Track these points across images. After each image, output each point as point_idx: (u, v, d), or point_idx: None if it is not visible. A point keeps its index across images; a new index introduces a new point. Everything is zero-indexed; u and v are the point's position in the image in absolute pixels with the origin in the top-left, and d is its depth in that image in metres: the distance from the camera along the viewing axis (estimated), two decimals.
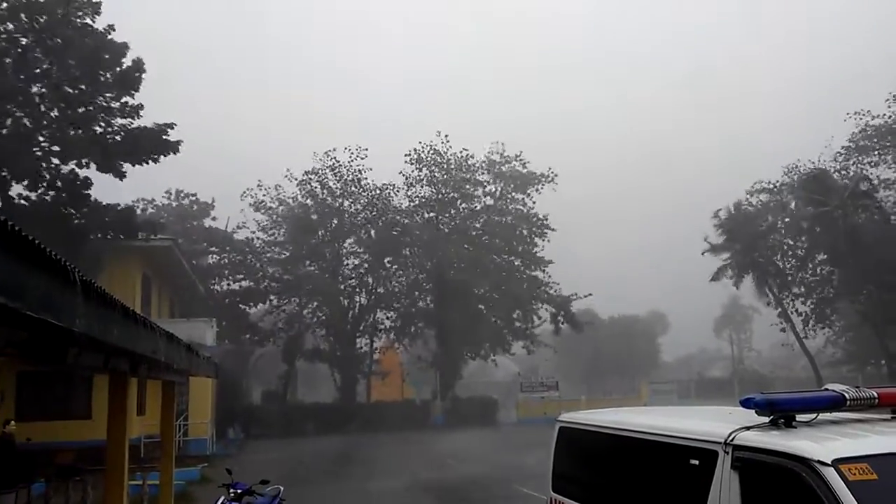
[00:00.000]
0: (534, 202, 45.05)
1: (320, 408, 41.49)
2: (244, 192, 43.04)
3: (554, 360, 60.30)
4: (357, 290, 44.91)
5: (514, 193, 45.23)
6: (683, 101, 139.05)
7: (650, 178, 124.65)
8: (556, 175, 44.65)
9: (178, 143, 24.70)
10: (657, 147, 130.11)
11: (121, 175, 24.27)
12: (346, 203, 44.10)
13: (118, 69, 23.71)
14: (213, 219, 44.27)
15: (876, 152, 38.46)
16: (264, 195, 43.14)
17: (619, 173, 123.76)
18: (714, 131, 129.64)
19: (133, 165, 24.45)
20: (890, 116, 37.47)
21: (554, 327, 45.66)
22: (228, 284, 42.65)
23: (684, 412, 6.57)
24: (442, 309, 42.31)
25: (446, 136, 43.75)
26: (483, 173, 45.07)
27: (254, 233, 43.22)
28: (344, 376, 43.34)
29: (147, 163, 24.55)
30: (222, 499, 9.74)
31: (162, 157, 24.66)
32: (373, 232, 43.75)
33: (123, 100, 24.06)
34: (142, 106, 24.29)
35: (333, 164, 43.40)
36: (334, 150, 43.59)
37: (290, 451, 27.61)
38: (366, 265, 44.54)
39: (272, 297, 43.06)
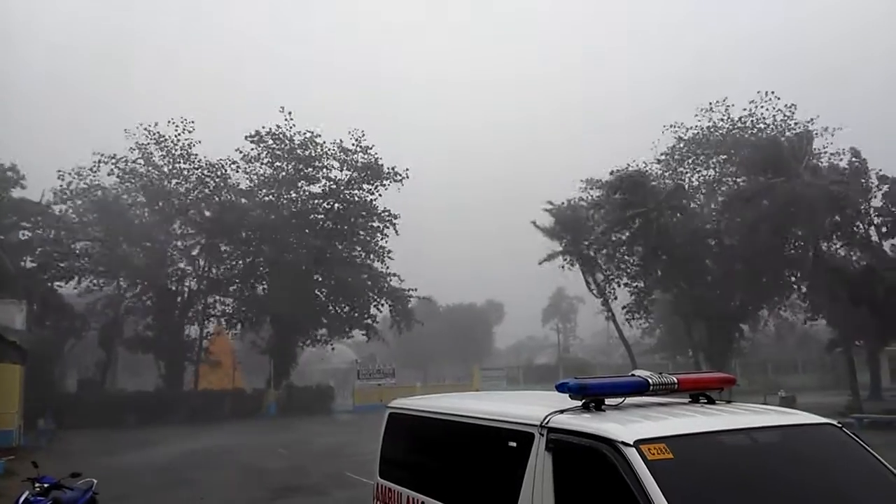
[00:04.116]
0: (380, 194, 44.75)
1: (142, 396, 39.10)
2: (59, 172, 39.72)
3: (392, 347, 60.79)
4: (187, 273, 42.75)
5: (363, 185, 44.54)
6: (532, 98, 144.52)
7: (493, 169, 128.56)
8: (407, 173, 44.32)
9: None
10: (501, 137, 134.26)
11: None
12: (174, 181, 41.80)
13: None
14: (23, 187, 39.04)
15: (689, 161, 42.20)
16: (74, 175, 40.07)
17: (463, 165, 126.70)
18: (561, 127, 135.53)
19: None
20: (702, 128, 41.24)
21: (391, 321, 45.88)
22: (39, 262, 39.03)
23: (507, 397, 6.79)
24: (278, 295, 41.27)
25: (290, 112, 42.40)
26: (330, 159, 44.02)
27: (69, 208, 39.97)
28: (169, 364, 41.17)
29: None
30: (27, 494, 8.92)
31: None
32: (206, 212, 41.70)
33: None
34: None
35: (158, 138, 40.97)
36: (156, 124, 41.16)
37: (106, 442, 25.89)
38: (197, 247, 42.47)
39: (86, 278, 39.91)
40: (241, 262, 43.58)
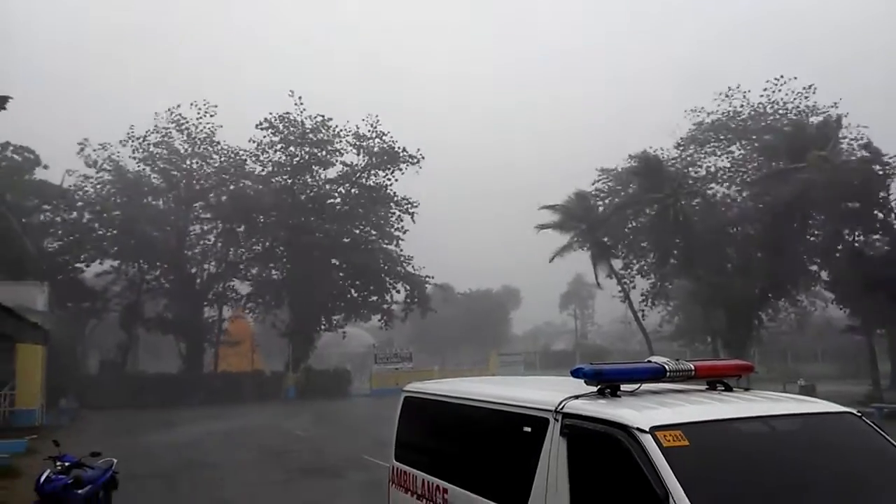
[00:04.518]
0: (396, 179, 44.79)
1: (163, 378, 39.63)
2: (81, 148, 39.98)
3: (410, 331, 60.95)
4: (206, 256, 43.07)
5: (377, 170, 44.58)
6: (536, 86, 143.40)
7: (509, 154, 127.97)
8: (422, 157, 44.35)
9: (5, 98, 22.51)
10: (520, 121, 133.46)
11: None
12: (196, 163, 42.02)
13: None
14: (45, 167, 39.30)
15: (711, 145, 41.75)
16: (99, 152, 40.29)
17: (478, 150, 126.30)
18: (574, 116, 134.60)
19: None
20: (723, 113, 40.75)
21: (405, 305, 45.89)
22: (61, 243, 39.46)
23: (523, 382, 6.77)
24: (296, 278, 41.47)
25: (300, 97, 42.49)
26: (342, 142, 44.05)
27: (88, 188, 40.31)
28: (190, 346, 41.62)
29: None
30: (48, 472, 9.07)
31: None
32: (223, 198, 41.94)
33: None
34: None
35: (179, 120, 41.16)
36: (178, 106, 41.32)
37: (126, 423, 26.26)
38: (216, 231, 42.77)
39: (107, 260, 40.30)
40: (258, 245, 43.84)
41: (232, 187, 41.80)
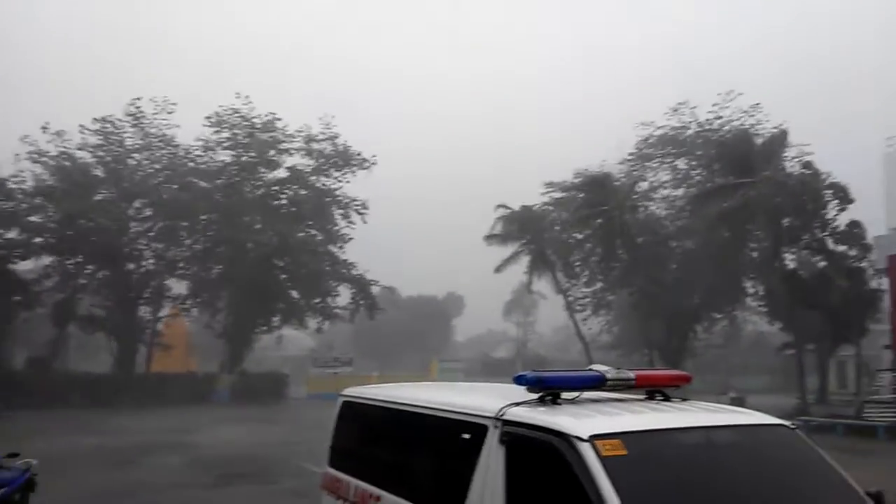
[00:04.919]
0: (348, 181, 44.43)
1: (93, 377, 38.20)
2: (24, 137, 38.38)
3: (351, 336, 60.47)
4: (144, 253, 41.85)
5: (327, 172, 44.16)
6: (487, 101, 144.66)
7: (457, 165, 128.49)
8: (375, 161, 44.13)
9: None
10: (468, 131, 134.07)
11: None
12: (144, 159, 40.90)
13: None
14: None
15: (657, 160, 42.60)
16: (48, 141, 38.75)
17: (430, 155, 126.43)
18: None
19: None
20: (670, 128, 41.64)
21: (352, 308, 45.55)
22: None
23: (464, 388, 6.71)
24: (235, 279, 40.68)
25: (247, 96, 41.83)
26: (292, 143, 43.52)
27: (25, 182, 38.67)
28: (122, 345, 40.34)
29: None
30: None
31: None
32: (164, 195, 40.84)
33: None
34: None
35: (136, 114, 40.09)
36: (139, 98, 40.27)
37: (52, 423, 25.26)
38: (157, 227, 41.60)
39: (42, 254, 38.70)
40: (198, 244, 42.81)
41: (176, 186, 40.72)
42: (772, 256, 33.66)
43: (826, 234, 33.27)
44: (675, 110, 41.12)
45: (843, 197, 32.70)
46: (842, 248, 33.22)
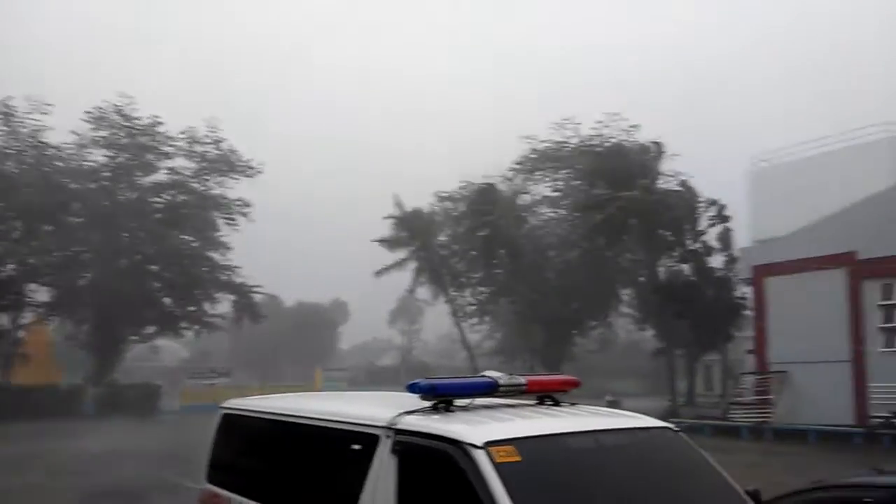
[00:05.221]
0: (230, 187, 42.92)
1: None
2: None
3: (229, 345, 58.56)
4: (4, 258, 38.80)
5: (211, 176, 42.49)
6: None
7: (346, 172, 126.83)
8: (261, 169, 42.85)
9: None
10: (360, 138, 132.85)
11: None
12: (11, 159, 38.08)
13: None
14: None
15: (539, 172, 43.83)
16: None
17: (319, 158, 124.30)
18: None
19: None
20: (553, 142, 42.95)
21: (233, 315, 44.10)
22: None
23: (353, 397, 6.57)
24: (104, 286, 38.44)
25: (131, 96, 39.80)
26: (173, 146, 41.65)
27: None
28: None
29: None
30: None
31: None
32: (28, 196, 38.05)
33: None
34: None
35: (7, 112, 37.31)
36: (12, 97, 37.52)
37: None
38: (18, 231, 38.71)
39: None
40: (66, 249, 40.17)
41: (44, 183, 38.04)
42: (646, 266, 35.40)
43: (697, 245, 35.31)
44: (561, 126, 42.53)
45: (719, 212, 34.91)
46: (711, 258, 35.36)
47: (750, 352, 28.96)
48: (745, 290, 31.08)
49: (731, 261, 34.65)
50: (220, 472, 6.09)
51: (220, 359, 51.11)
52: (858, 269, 22.80)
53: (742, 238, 35.51)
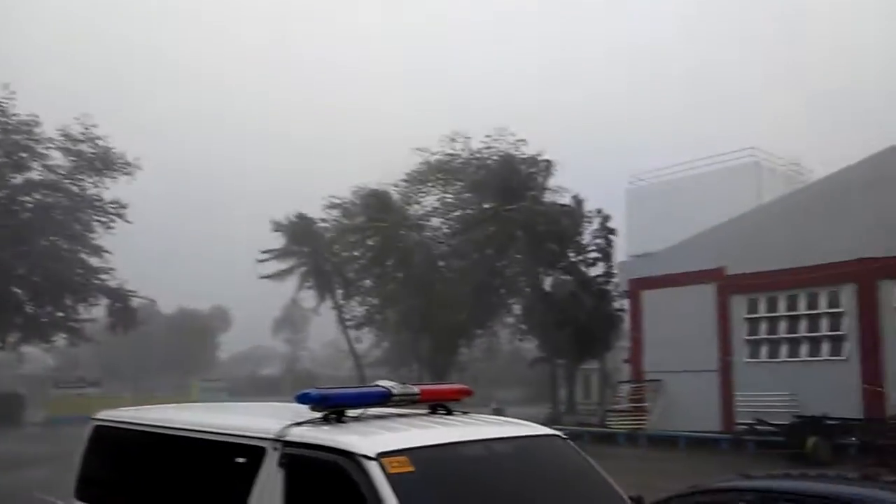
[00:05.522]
0: (107, 187, 40.44)
1: None
2: None
3: (100, 354, 55.41)
4: None
5: (87, 174, 39.87)
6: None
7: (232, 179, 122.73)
8: (139, 166, 40.63)
9: None
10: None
11: None
12: None
13: None
14: None
15: (429, 184, 44.07)
16: None
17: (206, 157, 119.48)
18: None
19: None
20: (443, 153, 43.32)
21: (107, 322, 41.65)
22: None
23: (239, 408, 6.34)
24: None
25: (13, 92, 36.92)
26: (49, 145, 38.88)
27: None
28: None
29: None
30: None
31: None
32: None
33: None
34: None
35: None
36: None
37: None
38: None
39: None
40: None
41: None
42: (529, 277, 36.33)
43: (579, 258, 36.59)
44: (452, 140, 42.93)
45: (603, 223, 36.34)
46: (592, 271, 36.73)
47: (626, 361, 30.13)
48: (623, 302, 32.40)
49: (611, 274, 36.07)
50: (92, 487, 5.73)
51: (89, 367, 48.12)
52: (727, 284, 24.26)
53: (621, 252, 37.23)
